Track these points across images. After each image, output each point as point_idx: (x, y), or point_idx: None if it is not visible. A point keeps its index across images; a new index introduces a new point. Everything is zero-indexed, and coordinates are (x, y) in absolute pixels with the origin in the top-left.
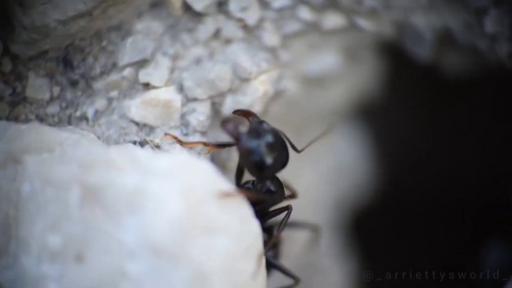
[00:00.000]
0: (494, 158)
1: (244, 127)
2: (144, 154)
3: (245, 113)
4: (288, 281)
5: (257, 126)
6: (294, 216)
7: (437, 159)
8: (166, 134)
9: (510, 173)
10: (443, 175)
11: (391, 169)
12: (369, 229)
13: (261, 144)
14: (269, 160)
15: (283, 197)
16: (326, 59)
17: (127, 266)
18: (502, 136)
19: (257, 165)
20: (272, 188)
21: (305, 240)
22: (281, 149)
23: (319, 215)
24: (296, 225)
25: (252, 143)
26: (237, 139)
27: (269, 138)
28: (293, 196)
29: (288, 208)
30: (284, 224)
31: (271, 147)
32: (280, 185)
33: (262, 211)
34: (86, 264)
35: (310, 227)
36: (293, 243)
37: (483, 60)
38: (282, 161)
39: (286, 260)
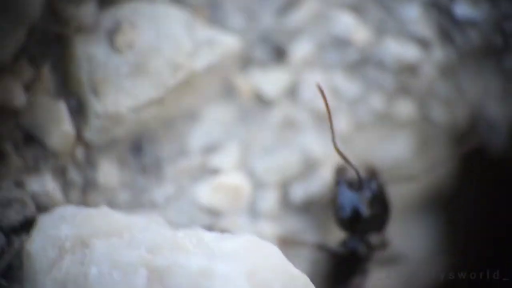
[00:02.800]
0: None
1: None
2: (211, 236)
3: (370, 171)
4: None
5: (364, 181)
6: None
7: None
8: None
9: None
10: None
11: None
12: None
13: (353, 197)
14: (354, 214)
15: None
16: (398, 149)
17: None
18: None
19: (342, 218)
20: (359, 247)
21: None
22: (379, 210)
23: None
24: None
25: (344, 193)
26: (336, 184)
27: (369, 194)
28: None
29: None
30: None
31: (366, 203)
32: (369, 248)
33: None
34: None
35: None
36: None
37: None
38: (375, 222)
39: None
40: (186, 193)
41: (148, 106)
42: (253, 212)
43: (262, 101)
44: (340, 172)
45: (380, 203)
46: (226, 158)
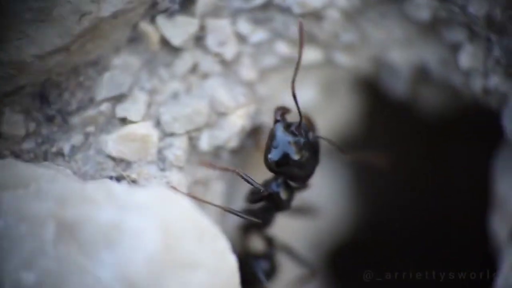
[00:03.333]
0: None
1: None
2: (121, 189)
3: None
4: None
5: (302, 128)
6: None
7: (413, 195)
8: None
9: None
10: (418, 212)
11: (368, 206)
12: (345, 267)
13: (287, 140)
14: (284, 157)
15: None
16: (303, 94)
17: None
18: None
19: (272, 158)
20: (280, 191)
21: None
22: (309, 160)
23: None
24: (297, 257)
25: (280, 134)
26: (274, 123)
27: (303, 142)
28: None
29: None
30: None
31: (298, 148)
32: (289, 196)
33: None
34: None
35: (307, 266)
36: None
37: (458, 96)
38: (302, 170)
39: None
40: (93, 143)
41: (53, 54)
42: (162, 161)
43: (169, 49)
44: (280, 113)
45: (312, 153)
46: (134, 107)
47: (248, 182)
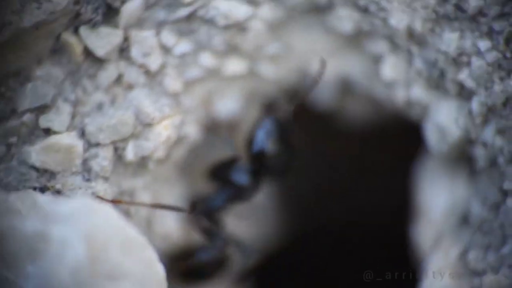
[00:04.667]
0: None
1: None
2: (45, 199)
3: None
4: None
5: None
6: None
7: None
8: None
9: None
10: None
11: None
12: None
13: (269, 134)
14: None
15: None
16: (226, 105)
17: None
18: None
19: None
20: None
21: None
22: (287, 156)
23: None
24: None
25: (263, 128)
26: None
27: (285, 136)
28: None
29: None
30: None
31: (279, 144)
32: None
33: None
34: None
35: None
36: None
37: (381, 107)
38: (279, 166)
39: None
40: (16, 153)
41: None
42: (87, 172)
43: (93, 60)
44: (268, 108)
45: (290, 150)
46: (58, 118)
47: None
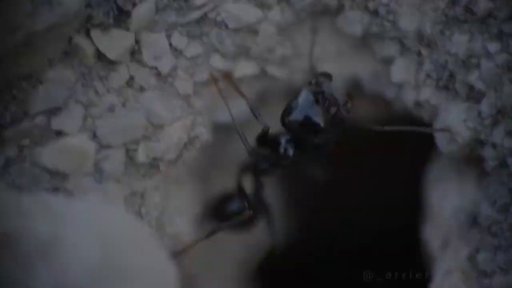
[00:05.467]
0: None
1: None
2: (57, 200)
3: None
4: None
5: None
6: None
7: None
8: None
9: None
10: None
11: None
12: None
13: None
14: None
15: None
16: (239, 104)
17: None
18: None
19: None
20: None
21: None
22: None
23: None
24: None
25: (307, 98)
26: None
27: (331, 113)
28: None
29: None
30: None
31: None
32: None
33: None
34: None
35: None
36: None
37: (390, 107)
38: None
39: None
40: (28, 155)
41: None
42: (99, 173)
43: (105, 63)
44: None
45: (332, 127)
46: (70, 120)
47: (240, 137)
